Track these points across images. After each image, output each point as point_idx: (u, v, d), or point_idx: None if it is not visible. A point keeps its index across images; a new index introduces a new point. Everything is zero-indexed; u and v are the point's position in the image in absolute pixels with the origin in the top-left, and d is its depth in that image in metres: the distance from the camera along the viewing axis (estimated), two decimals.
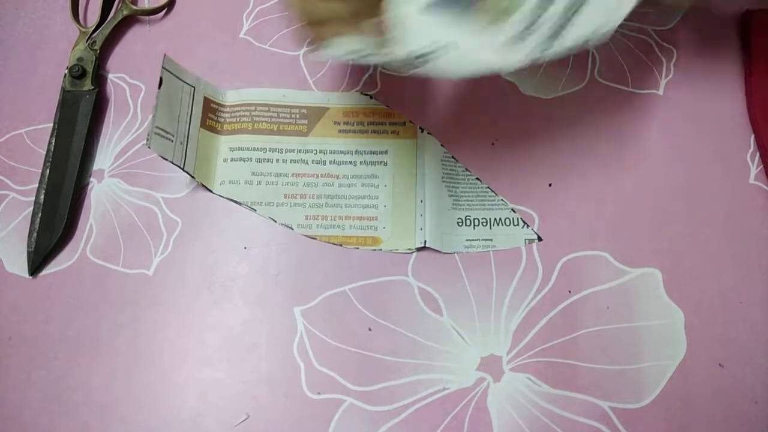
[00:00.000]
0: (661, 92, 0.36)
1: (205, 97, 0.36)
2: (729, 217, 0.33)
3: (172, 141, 0.33)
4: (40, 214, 0.34)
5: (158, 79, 0.33)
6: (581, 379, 0.30)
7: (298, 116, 0.37)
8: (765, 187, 0.33)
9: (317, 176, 0.35)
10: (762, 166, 0.34)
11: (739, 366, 0.29)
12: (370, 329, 0.31)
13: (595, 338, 0.30)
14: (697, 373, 0.29)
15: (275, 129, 0.36)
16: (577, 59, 0.37)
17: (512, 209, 0.34)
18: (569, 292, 0.31)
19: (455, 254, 0.33)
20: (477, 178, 0.35)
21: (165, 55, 0.34)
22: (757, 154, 0.34)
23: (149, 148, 0.31)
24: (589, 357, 0.30)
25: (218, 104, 0.37)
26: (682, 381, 0.29)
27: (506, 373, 0.30)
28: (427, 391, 0.30)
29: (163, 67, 0.33)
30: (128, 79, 0.39)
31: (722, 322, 0.30)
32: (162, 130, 0.32)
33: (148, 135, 0.31)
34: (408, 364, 0.30)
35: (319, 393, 0.30)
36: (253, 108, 0.37)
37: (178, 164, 0.33)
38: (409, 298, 0.32)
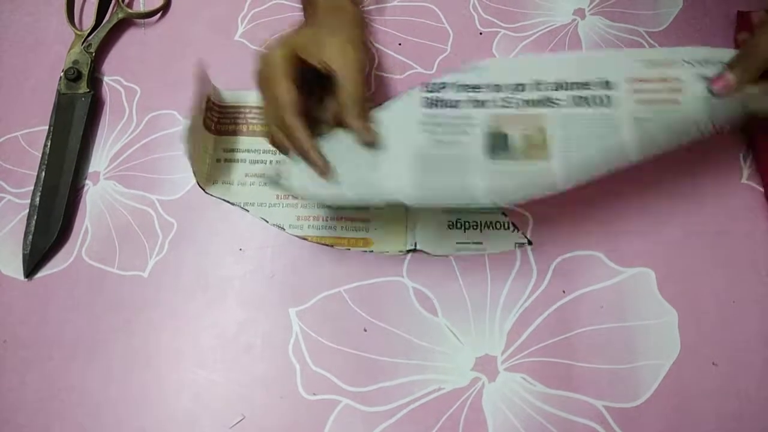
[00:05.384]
0: None
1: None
2: (721, 217, 0.33)
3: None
4: (35, 217, 0.34)
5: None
6: (576, 379, 0.30)
7: None
8: (757, 186, 0.33)
9: None
10: (754, 166, 0.34)
11: (732, 365, 0.30)
12: (365, 330, 0.31)
13: (590, 338, 0.30)
14: (691, 372, 0.29)
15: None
16: None
17: (503, 213, 0.33)
18: (563, 292, 0.31)
19: (450, 255, 0.33)
20: None
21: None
22: (750, 155, 0.34)
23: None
24: (583, 357, 0.30)
25: (213, 103, 0.37)
26: (676, 380, 0.29)
27: (501, 373, 0.30)
28: (423, 391, 0.30)
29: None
30: (124, 81, 0.39)
31: (716, 321, 0.30)
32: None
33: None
34: (403, 365, 0.30)
35: (314, 394, 0.30)
36: (248, 110, 0.37)
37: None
38: (404, 299, 0.32)
